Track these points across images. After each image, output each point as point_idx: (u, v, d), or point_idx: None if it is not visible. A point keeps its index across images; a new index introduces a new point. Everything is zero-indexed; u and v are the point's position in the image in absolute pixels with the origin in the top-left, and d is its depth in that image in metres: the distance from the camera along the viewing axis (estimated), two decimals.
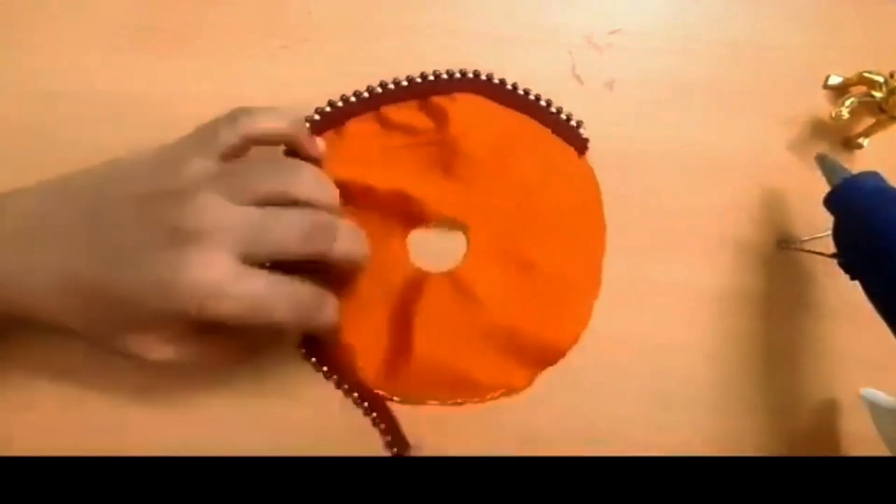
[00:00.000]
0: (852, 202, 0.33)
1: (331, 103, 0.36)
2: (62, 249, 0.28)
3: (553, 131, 0.37)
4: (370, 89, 0.36)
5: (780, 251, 0.38)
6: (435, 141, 0.35)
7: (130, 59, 0.38)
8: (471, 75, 0.37)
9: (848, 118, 0.37)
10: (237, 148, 0.30)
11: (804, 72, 0.39)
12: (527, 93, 0.37)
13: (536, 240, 0.35)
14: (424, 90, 0.36)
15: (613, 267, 0.37)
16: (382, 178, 0.34)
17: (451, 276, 0.35)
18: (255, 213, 0.28)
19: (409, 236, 0.36)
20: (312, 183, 0.29)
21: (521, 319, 0.34)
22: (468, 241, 0.36)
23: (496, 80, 0.37)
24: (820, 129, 0.39)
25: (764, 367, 0.37)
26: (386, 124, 0.36)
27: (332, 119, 0.36)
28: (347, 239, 0.29)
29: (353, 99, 0.36)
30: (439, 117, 0.35)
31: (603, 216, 0.37)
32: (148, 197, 0.28)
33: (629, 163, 0.38)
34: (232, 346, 0.31)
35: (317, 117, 0.36)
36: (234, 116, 0.30)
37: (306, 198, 0.29)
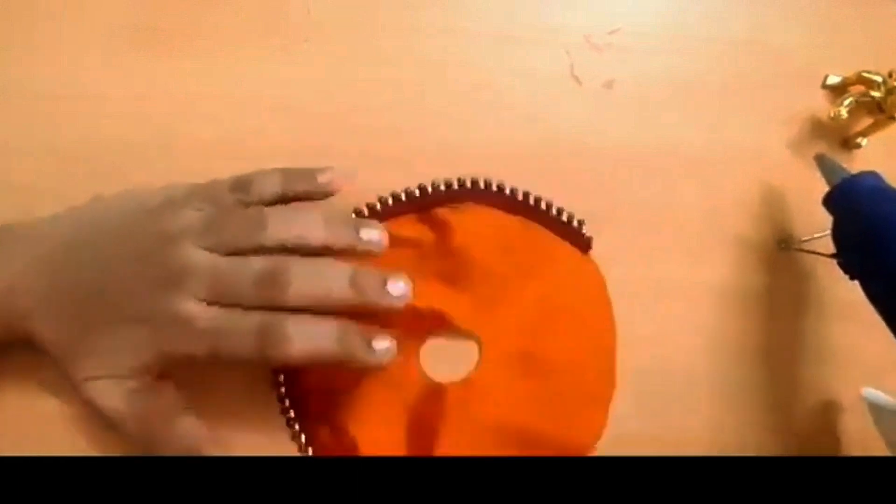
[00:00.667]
0: (851, 202, 0.33)
1: None
2: (42, 272, 0.30)
3: (556, 233, 0.36)
4: (370, 206, 0.35)
5: (780, 251, 0.38)
6: (439, 252, 0.34)
7: (130, 60, 0.38)
8: (469, 185, 0.36)
9: (846, 118, 0.37)
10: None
11: (803, 71, 0.39)
12: (526, 196, 0.36)
13: (549, 343, 0.34)
14: (425, 203, 0.35)
15: (613, 267, 0.37)
16: None
17: (467, 385, 0.34)
18: (221, 262, 0.28)
19: (421, 349, 0.34)
20: (282, 234, 0.28)
21: (541, 423, 0.33)
22: (480, 350, 0.34)
23: (494, 187, 0.36)
24: (819, 128, 0.39)
25: (764, 367, 0.37)
26: (389, 241, 0.34)
27: None
28: (301, 282, 0.27)
29: (353, 215, 0.35)
30: (442, 228, 0.35)
31: (612, 313, 0.36)
32: (142, 238, 0.29)
33: (628, 163, 0.38)
34: (176, 402, 0.30)
35: None
36: (240, 184, 0.30)
37: (279, 245, 0.28)
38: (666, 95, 0.39)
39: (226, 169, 0.37)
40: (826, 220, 0.34)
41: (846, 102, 0.36)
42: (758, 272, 0.37)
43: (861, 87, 0.38)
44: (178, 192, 0.31)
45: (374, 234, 0.29)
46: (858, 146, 0.39)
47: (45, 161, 0.37)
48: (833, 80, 0.39)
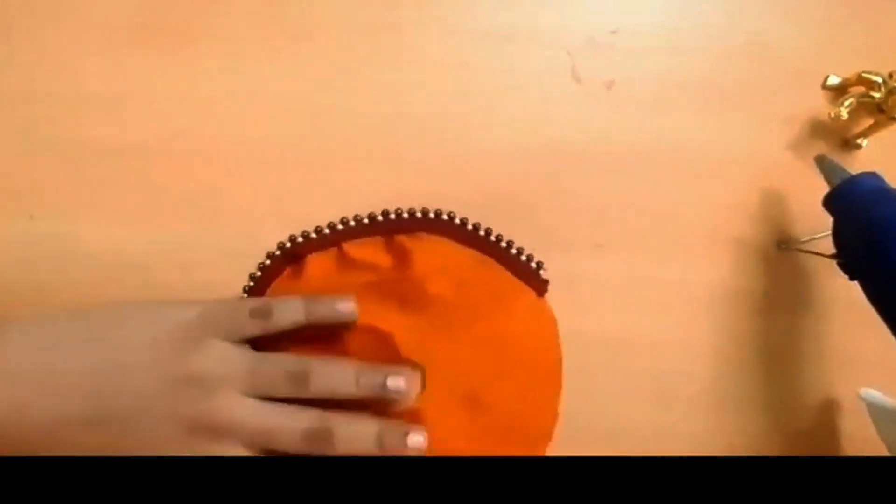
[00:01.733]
0: (851, 203, 0.33)
1: (291, 238, 0.36)
2: (71, 389, 0.28)
3: (513, 273, 0.36)
4: (331, 225, 0.36)
5: (779, 251, 0.38)
6: (396, 279, 0.34)
7: (130, 60, 0.38)
8: (432, 216, 0.36)
9: (847, 118, 0.37)
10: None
11: (804, 72, 0.39)
12: (488, 233, 0.36)
13: (493, 385, 0.34)
14: (388, 228, 0.36)
15: (614, 267, 0.37)
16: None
17: (408, 414, 0.33)
18: (268, 410, 0.29)
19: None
20: (323, 387, 0.30)
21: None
22: (422, 381, 0.33)
23: (458, 221, 0.36)
24: (819, 129, 0.39)
25: (764, 367, 0.37)
26: (345, 261, 0.35)
27: (291, 253, 0.35)
28: (344, 438, 0.29)
29: (313, 235, 0.36)
30: (401, 256, 0.35)
31: (560, 359, 0.36)
32: (170, 375, 0.29)
33: (629, 163, 0.38)
34: None
35: (277, 252, 0.36)
36: (260, 311, 0.30)
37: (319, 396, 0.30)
38: (667, 96, 0.39)
39: (226, 168, 0.37)
40: (826, 220, 0.34)
41: (846, 103, 0.36)
42: (758, 273, 0.37)
43: (861, 88, 0.38)
44: (191, 314, 0.30)
45: (400, 383, 0.30)
46: (859, 147, 0.39)
47: (45, 161, 0.37)
48: (833, 80, 0.39)
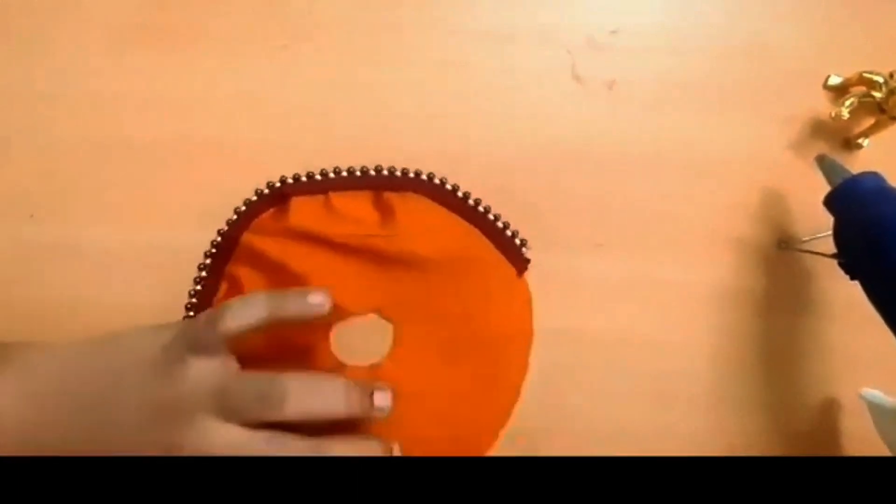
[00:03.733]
0: (852, 202, 0.33)
1: (281, 179, 0.36)
2: (59, 424, 0.28)
3: (496, 246, 0.36)
4: (323, 172, 0.36)
5: (780, 251, 0.38)
6: (378, 235, 0.34)
7: (130, 59, 0.38)
8: (424, 177, 0.36)
9: (848, 118, 0.37)
10: (230, 340, 0.29)
11: (804, 72, 0.39)
12: (477, 203, 0.36)
13: (463, 350, 0.35)
14: (377, 184, 0.36)
15: (614, 267, 0.37)
16: (319, 264, 0.34)
17: (372, 373, 0.34)
18: (245, 437, 0.27)
19: (333, 329, 0.35)
20: (300, 409, 0.28)
21: (451, 406, 0.34)
22: (394, 339, 0.35)
23: (448, 186, 0.36)
24: (820, 129, 0.39)
25: (764, 367, 0.37)
26: (330, 209, 0.35)
27: (278, 193, 0.36)
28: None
29: (303, 178, 0.36)
30: (387, 212, 0.35)
31: (531, 340, 0.36)
32: (147, 407, 0.28)
33: (629, 162, 0.38)
34: None
35: (265, 190, 0.36)
36: (213, 317, 0.29)
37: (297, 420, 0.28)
38: (667, 95, 0.39)
39: (226, 167, 0.37)
40: (827, 220, 0.34)
41: (847, 103, 0.36)
42: (758, 273, 0.37)
43: (862, 88, 0.38)
44: (168, 335, 0.29)
45: (386, 401, 0.29)
46: (860, 147, 0.39)
47: (45, 161, 0.37)
48: (834, 80, 0.39)
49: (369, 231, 0.34)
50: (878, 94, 0.37)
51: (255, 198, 0.36)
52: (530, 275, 0.37)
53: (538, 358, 0.36)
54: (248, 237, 0.35)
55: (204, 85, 0.38)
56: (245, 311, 0.28)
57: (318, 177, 0.36)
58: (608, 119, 0.38)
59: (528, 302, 0.36)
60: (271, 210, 0.36)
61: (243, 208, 0.36)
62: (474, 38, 0.39)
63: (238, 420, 0.27)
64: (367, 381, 0.30)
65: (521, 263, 0.36)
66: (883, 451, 0.33)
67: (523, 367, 0.35)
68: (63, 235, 0.36)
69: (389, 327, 0.35)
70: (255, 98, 0.38)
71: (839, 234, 0.33)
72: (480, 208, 0.36)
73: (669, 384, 0.36)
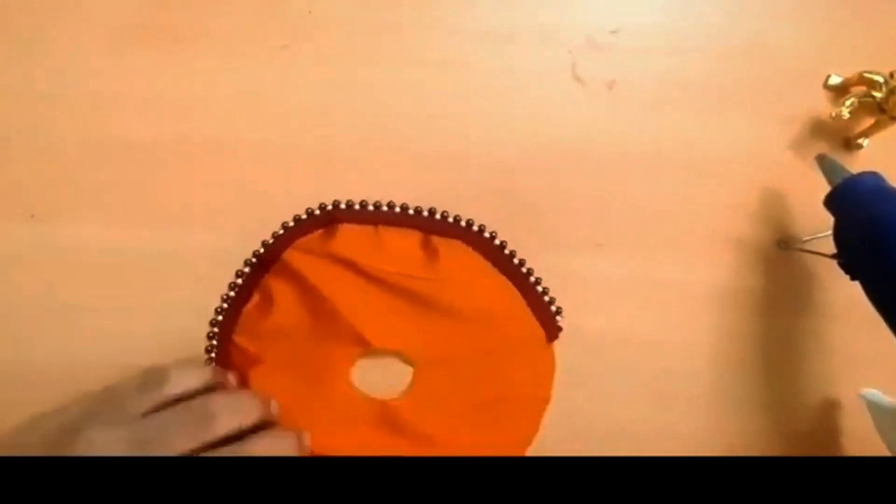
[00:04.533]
0: (852, 202, 0.33)
1: (334, 203, 0.36)
2: None
3: (532, 309, 0.36)
4: (376, 204, 0.36)
5: (780, 251, 0.38)
6: (420, 277, 0.34)
7: (130, 59, 0.38)
8: (476, 228, 0.36)
9: (848, 118, 0.36)
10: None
11: (804, 71, 0.39)
12: (521, 263, 0.36)
13: (479, 403, 0.35)
14: (427, 226, 0.36)
15: (614, 267, 0.37)
16: (353, 293, 0.34)
17: (385, 409, 0.35)
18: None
19: (356, 358, 0.35)
20: (229, 428, 0.28)
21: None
22: (413, 380, 0.35)
23: (497, 242, 0.36)
24: (820, 128, 0.39)
25: (764, 367, 0.37)
26: (378, 242, 0.35)
27: (329, 217, 0.36)
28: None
29: (356, 206, 0.36)
30: (432, 256, 0.35)
31: (547, 404, 0.36)
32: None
33: (629, 162, 0.38)
34: None
35: (316, 211, 0.36)
36: (144, 383, 0.29)
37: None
38: (667, 96, 0.39)
39: (226, 167, 0.37)
40: (827, 220, 0.34)
41: (848, 103, 0.36)
42: (758, 273, 0.37)
43: (862, 88, 0.38)
44: (73, 412, 0.28)
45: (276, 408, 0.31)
46: (860, 147, 0.39)
47: (45, 161, 0.37)
48: (835, 80, 0.39)
49: (412, 272, 0.34)
50: (878, 94, 0.37)
51: (304, 216, 0.36)
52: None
53: None
54: (290, 254, 0.35)
55: (204, 85, 0.38)
56: (181, 380, 0.29)
57: (371, 207, 0.36)
58: (608, 119, 0.38)
59: (553, 369, 0.36)
60: (319, 231, 0.36)
61: (291, 224, 0.36)
62: (474, 38, 0.39)
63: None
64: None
65: (553, 330, 0.36)
66: (883, 451, 0.33)
67: (534, 429, 0.35)
68: (63, 235, 0.36)
69: (410, 368, 0.35)
70: (255, 98, 0.38)
71: (839, 234, 0.33)
72: (524, 269, 0.36)
73: (669, 384, 0.36)
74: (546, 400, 0.36)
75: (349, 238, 0.35)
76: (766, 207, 0.38)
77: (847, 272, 0.33)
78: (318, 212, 0.36)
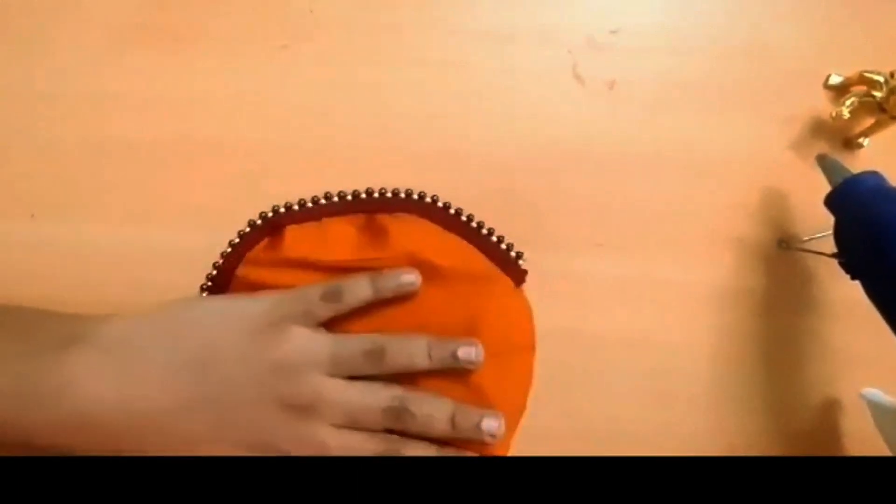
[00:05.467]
0: (853, 201, 0.33)
1: (273, 209, 0.36)
2: (175, 382, 0.30)
3: (492, 260, 0.36)
4: (314, 199, 0.36)
5: (780, 251, 0.38)
6: (372, 258, 0.34)
7: (131, 59, 0.38)
8: (416, 196, 0.36)
9: (848, 118, 0.36)
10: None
11: (804, 71, 0.39)
12: (469, 220, 0.36)
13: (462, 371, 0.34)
14: (369, 206, 0.36)
15: (614, 267, 0.37)
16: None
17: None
18: (351, 390, 0.31)
19: None
20: (398, 362, 0.32)
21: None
22: None
23: (440, 204, 0.36)
24: (820, 128, 0.39)
25: (764, 367, 0.37)
26: (324, 235, 0.35)
27: (272, 223, 0.35)
28: (418, 420, 0.31)
29: (295, 207, 0.36)
30: (380, 235, 0.35)
31: (534, 350, 0.35)
32: (258, 363, 0.31)
33: (629, 162, 0.38)
34: None
35: (258, 221, 0.36)
36: (332, 294, 0.32)
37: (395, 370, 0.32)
38: (667, 96, 0.39)
39: (226, 167, 0.37)
40: (827, 220, 0.34)
41: (848, 102, 0.36)
42: (758, 272, 0.37)
43: (863, 87, 0.38)
44: (266, 305, 0.32)
45: (471, 353, 0.32)
46: (860, 146, 0.39)
47: (45, 161, 0.37)
48: (835, 79, 0.39)
49: (363, 255, 0.34)
50: (878, 94, 0.37)
51: (248, 229, 0.36)
52: (530, 274, 0.37)
53: (538, 358, 0.36)
54: (243, 269, 0.35)
55: (204, 85, 0.38)
56: (358, 292, 0.32)
57: (310, 204, 0.36)
58: (608, 119, 0.38)
59: (529, 312, 0.36)
60: (265, 241, 0.35)
61: (237, 240, 0.36)
62: (474, 38, 0.39)
63: (344, 374, 0.31)
64: (455, 338, 0.32)
65: (518, 274, 0.36)
66: (883, 450, 0.33)
67: (527, 379, 0.35)
68: (63, 235, 0.36)
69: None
70: (255, 98, 0.38)
71: (840, 234, 0.33)
72: (474, 224, 0.36)
73: (669, 384, 0.36)
74: (530, 345, 0.35)
75: (296, 239, 0.35)
76: (766, 207, 0.38)
77: (848, 272, 0.33)
78: (259, 221, 0.36)
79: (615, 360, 0.36)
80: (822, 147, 0.39)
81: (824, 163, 0.35)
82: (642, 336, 0.36)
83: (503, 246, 0.36)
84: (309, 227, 0.35)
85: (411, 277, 0.33)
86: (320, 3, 0.39)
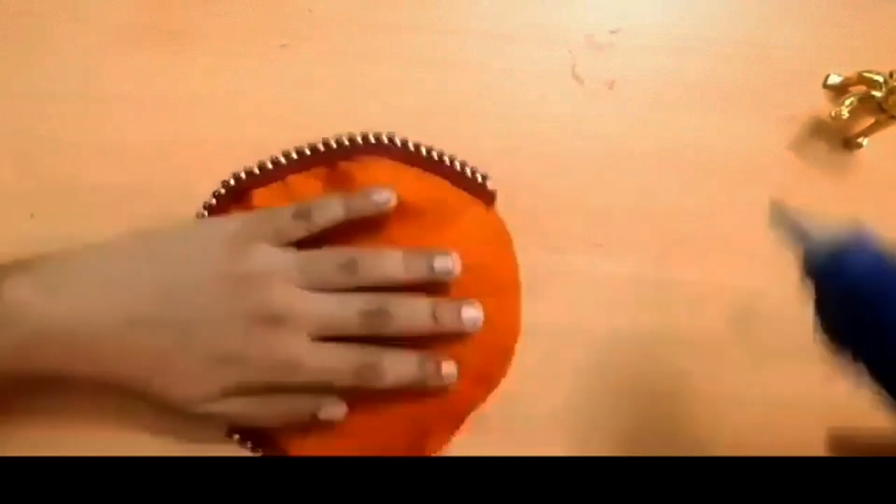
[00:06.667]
0: (844, 281, 0.27)
1: (235, 176, 0.35)
2: (136, 296, 0.30)
3: (459, 187, 0.36)
4: (274, 160, 0.35)
5: (779, 247, 0.37)
6: None
7: (131, 59, 0.38)
8: (373, 140, 0.35)
9: (848, 117, 0.37)
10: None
11: (804, 71, 0.39)
12: (429, 151, 0.36)
13: (446, 291, 0.34)
14: (330, 157, 0.35)
15: (613, 267, 0.37)
16: None
17: None
18: (324, 297, 0.31)
19: None
20: (372, 274, 0.31)
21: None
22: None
23: (398, 142, 0.36)
24: (819, 128, 0.39)
25: (765, 367, 0.37)
26: (291, 193, 0.35)
27: (236, 190, 0.35)
28: (397, 320, 0.31)
29: (256, 170, 0.35)
30: (345, 182, 0.34)
31: (516, 265, 0.36)
32: (225, 277, 0.30)
33: (629, 162, 0.38)
34: (277, 408, 0.32)
35: (222, 190, 0.35)
36: (302, 213, 0.32)
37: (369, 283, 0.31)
38: (667, 95, 0.39)
39: (226, 167, 0.37)
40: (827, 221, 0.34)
41: (847, 102, 0.36)
42: (759, 272, 0.37)
43: (862, 87, 0.38)
44: (237, 223, 0.32)
45: (447, 263, 0.32)
46: (860, 146, 0.39)
47: (45, 161, 0.37)
48: (834, 79, 0.39)
49: None
50: (877, 94, 0.37)
51: (213, 201, 0.35)
52: (530, 274, 0.36)
53: (538, 357, 0.36)
54: None
55: (204, 85, 0.38)
56: (329, 211, 0.32)
57: (270, 165, 0.35)
58: (608, 119, 0.38)
59: (504, 230, 0.36)
60: (233, 208, 0.35)
61: (204, 213, 0.35)
62: (474, 38, 0.39)
63: (316, 288, 0.31)
64: (429, 249, 0.32)
65: (487, 196, 0.36)
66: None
67: (515, 300, 0.35)
68: (63, 235, 0.36)
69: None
70: (255, 98, 0.38)
71: (825, 311, 0.28)
72: (434, 155, 0.36)
73: (670, 384, 0.36)
74: (511, 266, 0.35)
75: (264, 201, 0.35)
76: (765, 207, 0.38)
77: (833, 343, 0.28)
78: (223, 191, 0.35)
79: (614, 360, 0.36)
80: (822, 147, 0.39)
81: (782, 219, 0.28)
82: (642, 336, 0.36)
83: (468, 171, 0.36)
84: (275, 188, 0.35)
85: (384, 195, 0.32)
86: (319, 3, 0.39)
